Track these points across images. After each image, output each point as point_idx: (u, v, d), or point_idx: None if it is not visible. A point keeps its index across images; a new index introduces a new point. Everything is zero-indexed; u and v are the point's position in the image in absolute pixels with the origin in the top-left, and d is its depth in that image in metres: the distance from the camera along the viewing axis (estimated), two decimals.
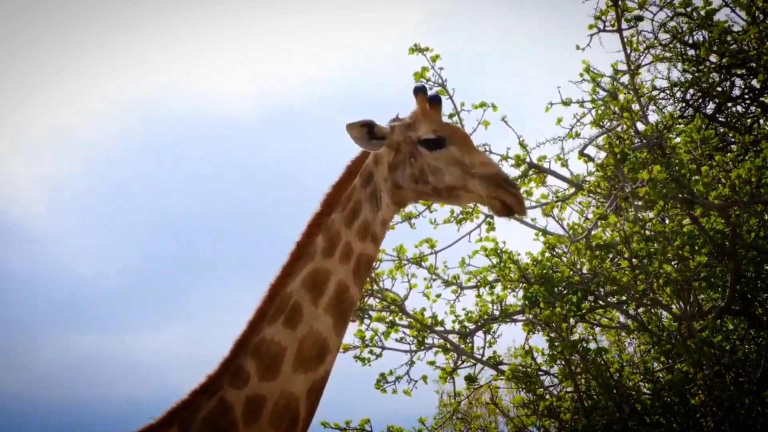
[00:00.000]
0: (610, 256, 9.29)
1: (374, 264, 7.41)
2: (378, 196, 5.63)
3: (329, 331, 5.33)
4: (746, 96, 12.52)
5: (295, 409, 5.20)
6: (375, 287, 9.88)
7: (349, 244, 5.50)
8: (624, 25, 10.34)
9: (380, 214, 5.63)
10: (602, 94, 10.57)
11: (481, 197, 5.73)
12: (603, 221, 9.00)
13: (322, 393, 5.39)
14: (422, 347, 9.84)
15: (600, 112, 10.05)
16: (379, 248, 5.81)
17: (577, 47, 10.65)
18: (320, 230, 5.51)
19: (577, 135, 10.37)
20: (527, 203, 10.22)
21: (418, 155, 5.70)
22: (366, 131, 5.65)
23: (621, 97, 10.30)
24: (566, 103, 10.52)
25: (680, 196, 8.77)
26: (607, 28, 10.35)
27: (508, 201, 5.80)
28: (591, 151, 10.40)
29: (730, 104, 12.43)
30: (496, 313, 9.89)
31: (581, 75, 10.70)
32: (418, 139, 5.73)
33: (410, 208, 10.17)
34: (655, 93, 12.09)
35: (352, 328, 9.49)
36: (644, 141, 9.50)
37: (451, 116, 9.99)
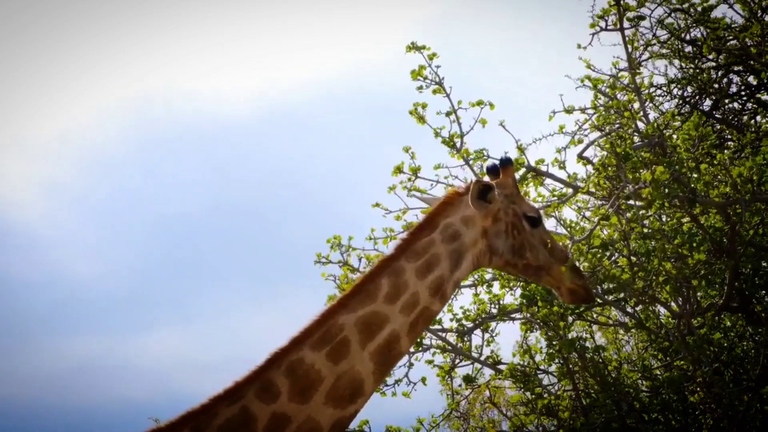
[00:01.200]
0: (608, 253, 9.28)
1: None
2: (461, 257, 5.70)
3: (368, 376, 5.37)
4: (743, 92, 12.53)
5: None
6: None
7: (416, 295, 5.51)
8: (626, 24, 10.35)
9: (456, 275, 5.71)
10: (603, 100, 10.54)
11: (561, 282, 5.94)
12: (605, 221, 8.99)
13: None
14: (420, 348, 9.84)
15: (601, 118, 10.04)
16: (442, 309, 5.87)
17: (579, 46, 10.66)
18: (386, 273, 5.53)
19: (580, 142, 10.37)
20: None
21: (521, 229, 5.89)
22: (481, 191, 5.80)
23: (620, 95, 10.32)
24: (569, 111, 10.51)
25: (681, 194, 8.76)
26: (608, 27, 10.36)
27: (589, 290, 6.05)
28: (589, 152, 10.40)
29: (726, 101, 12.43)
30: (494, 311, 9.89)
31: (582, 81, 10.70)
32: (524, 214, 5.87)
33: (410, 215, 10.21)
34: (652, 90, 12.11)
35: None
36: (645, 140, 9.51)
37: (448, 114, 9.99)
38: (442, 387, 10.23)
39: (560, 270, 6.03)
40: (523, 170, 10.03)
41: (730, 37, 11.84)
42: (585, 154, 10.28)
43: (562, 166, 10.10)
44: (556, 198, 10.40)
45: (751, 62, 11.71)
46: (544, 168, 10.13)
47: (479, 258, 5.84)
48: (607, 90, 10.61)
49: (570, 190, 10.22)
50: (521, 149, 9.99)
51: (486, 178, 6.29)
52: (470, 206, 5.79)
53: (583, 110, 10.60)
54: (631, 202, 9.16)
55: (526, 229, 5.97)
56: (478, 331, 9.93)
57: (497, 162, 6.34)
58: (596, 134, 10.33)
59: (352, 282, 8.64)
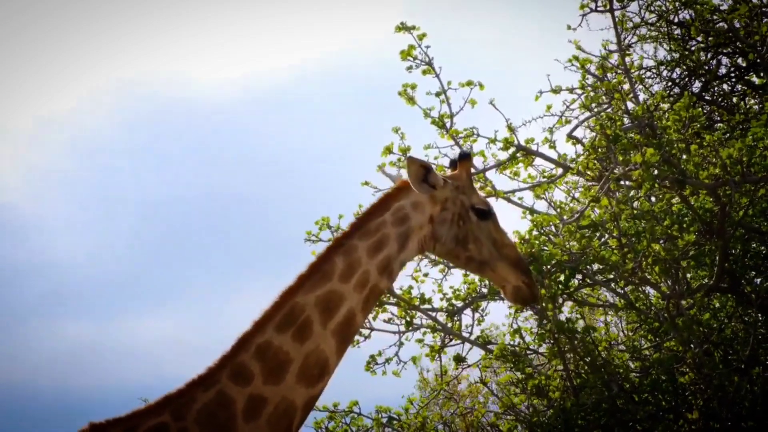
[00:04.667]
0: (598, 234, 9.29)
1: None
2: (407, 239, 5.85)
3: (332, 353, 5.52)
4: (732, 74, 12.55)
5: (291, 417, 5.38)
6: None
7: (367, 273, 5.68)
8: (616, 5, 10.35)
9: (401, 256, 5.87)
10: (591, 80, 10.54)
11: (505, 280, 6.10)
12: (594, 203, 9.00)
13: (312, 409, 5.58)
14: (410, 327, 9.83)
15: (590, 97, 10.04)
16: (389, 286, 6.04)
17: (569, 27, 10.67)
18: (341, 252, 5.68)
19: (568, 122, 10.38)
20: (515, 184, 10.28)
21: (467, 220, 6.04)
22: (422, 173, 5.89)
23: (610, 76, 10.31)
24: (556, 91, 10.53)
25: (671, 176, 8.78)
26: (599, 8, 10.36)
27: (534, 290, 6.13)
28: (579, 132, 10.40)
29: (716, 82, 12.45)
30: (484, 290, 9.88)
31: (570, 61, 10.70)
32: (471, 206, 6.06)
33: None
34: (641, 72, 12.11)
35: None
36: (635, 121, 9.52)
37: (437, 95, 9.98)
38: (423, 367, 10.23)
39: (505, 267, 6.10)
40: (512, 149, 10.02)
41: (718, 20, 11.86)
42: (575, 134, 10.28)
43: (552, 145, 10.11)
44: (545, 179, 10.40)
45: (740, 44, 11.73)
46: (533, 147, 10.12)
47: (424, 243, 5.99)
48: (596, 71, 10.61)
49: (560, 170, 10.22)
50: (511, 128, 9.98)
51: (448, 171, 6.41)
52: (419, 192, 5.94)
53: (571, 90, 10.61)
54: (622, 182, 9.16)
55: (472, 220, 6.05)
56: (468, 311, 9.92)
57: (461, 152, 6.50)
58: (586, 114, 10.33)
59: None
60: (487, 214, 6.12)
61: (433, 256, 10.12)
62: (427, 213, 5.93)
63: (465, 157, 6.34)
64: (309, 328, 5.43)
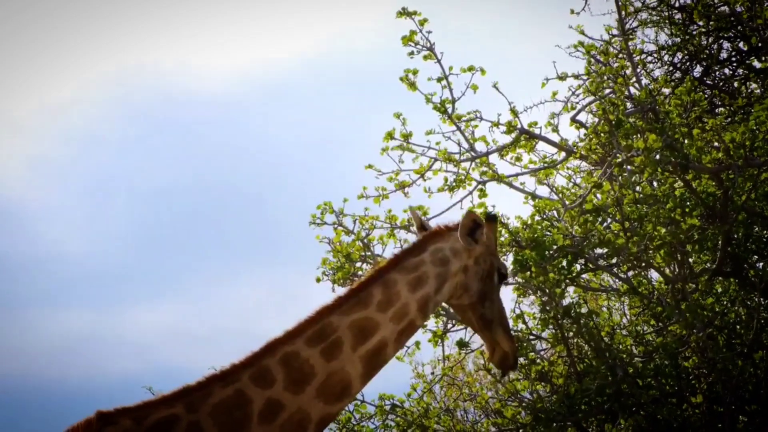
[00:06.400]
0: (600, 219, 9.28)
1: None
2: (444, 282, 5.90)
3: (356, 378, 5.56)
4: (734, 58, 12.53)
5: (304, 429, 5.38)
6: (368, 253, 9.90)
7: (407, 306, 5.72)
8: None
9: (437, 297, 5.92)
10: (596, 66, 10.51)
11: (497, 343, 6.23)
12: (596, 189, 8.99)
13: (326, 427, 5.60)
14: None
15: (594, 84, 10.02)
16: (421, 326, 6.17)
17: (572, 11, 10.65)
18: (378, 283, 5.73)
19: (573, 108, 10.36)
20: (517, 169, 10.27)
21: (491, 280, 6.14)
22: (473, 227, 6.02)
23: (612, 61, 10.29)
24: (562, 78, 10.52)
25: (674, 160, 8.76)
26: None
27: (517, 360, 6.46)
28: (582, 116, 10.39)
29: (717, 67, 12.43)
30: None
31: (575, 47, 10.70)
32: (498, 269, 6.18)
33: (404, 176, 10.19)
34: (643, 57, 12.09)
35: None
36: (638, 106, 9.50)
37: (439, 80, 9.95)
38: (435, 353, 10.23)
39: (501, 333, 6.19)
40: (516, 132, 9.99)
41: (720, 4, 11.85)
42: (578, 118, 10.26)
43: (555, 129, 10.09)
44: (546, 164, 10.38)
45: (741, 28, 11.72)
46: (536, 131, 10.10)
47: (454, 290, 6.03)
48: (600, 57, 10.59)
49: (563, 154, 10.20)
50: (514, 112, 9.96)
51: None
52: (459, 240, 5.99)
53: (576, 76, 10.60)
54: (625, 168, 9.15)
55: (494, 281, 6.16)
56: None
57: (488, 214, 6.61)
58: (590, 98, 10.31)
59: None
60: (504, 279, 6.25)
61: None
62: (462, 262, 5.99)
63: (492, 220, 6.38)
64: (339, 348, 5.47)
